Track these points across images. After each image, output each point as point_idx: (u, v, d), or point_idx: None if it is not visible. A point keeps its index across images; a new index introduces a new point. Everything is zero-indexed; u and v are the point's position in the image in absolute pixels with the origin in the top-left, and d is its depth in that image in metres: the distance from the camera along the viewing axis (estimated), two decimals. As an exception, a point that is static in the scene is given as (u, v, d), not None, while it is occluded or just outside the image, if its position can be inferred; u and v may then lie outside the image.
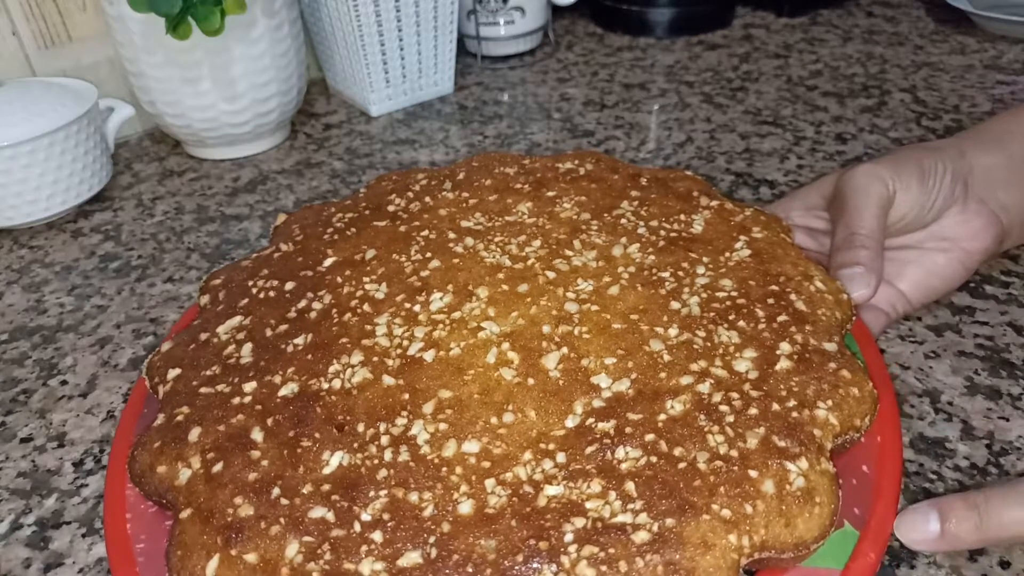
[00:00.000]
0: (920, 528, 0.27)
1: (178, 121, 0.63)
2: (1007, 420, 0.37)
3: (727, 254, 0.37)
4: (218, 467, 0.29)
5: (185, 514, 0.28)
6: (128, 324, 0.47)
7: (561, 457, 0.28)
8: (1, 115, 0.54)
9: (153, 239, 0.56)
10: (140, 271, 0.52)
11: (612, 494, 0.26)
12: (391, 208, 0.43)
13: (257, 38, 0.60)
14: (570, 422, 0.29)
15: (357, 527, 0.26)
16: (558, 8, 0.86)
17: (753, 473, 0.26)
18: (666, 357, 0.31)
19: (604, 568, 0.24)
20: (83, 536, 0.34)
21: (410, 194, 0.44)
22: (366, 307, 0.35)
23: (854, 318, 0.34)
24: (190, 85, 0.60)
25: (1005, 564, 0.30)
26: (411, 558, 0.25)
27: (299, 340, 0.34)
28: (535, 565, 0.24)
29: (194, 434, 0.30)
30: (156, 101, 0.62)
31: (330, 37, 0.70)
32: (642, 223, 0.39)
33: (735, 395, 0.29)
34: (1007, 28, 0.79)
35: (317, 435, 0.29)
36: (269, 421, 0.30)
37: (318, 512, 0.27)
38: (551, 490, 0.27)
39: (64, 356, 0.45)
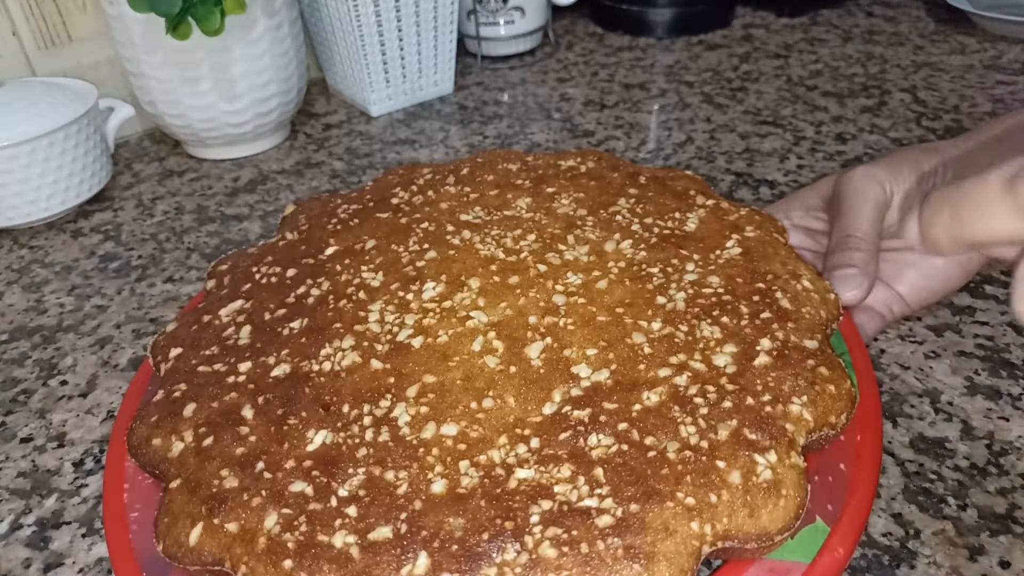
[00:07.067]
0: (909, 229, 0.22)
1: (178, 121, 0.63)
2: (1007, 420, 0.37)
3: (717, 252, 0.37)
4: (208, 441, 0.30)
5: (174, 484, 0.29)
6: (128, 324, 0.47)
7: (535, 442, 0.28)
8: (1, 115, 0.54)
9: (153, 239, 0.56)
10: (140, 271, 0.53)
11: (581, 479, 0.27)
12: (394, 201, 0.44)
13: (257, 38, 0.60)
14: (547, 409, 0.30)
15: (333, 502, 0.27)
16: (558, 8, 0.86)
17: (721, 464, 0.27)
18: (647, 350, 0.32)
19: (566, 549, 0.25)
20: (83, 536, 0.34)
21: (414, 188, 0.45)
22: (361, 294, 0.36)
23: (840, 317, 0.34)
24: (190, 85, 0.60)
25: (1005, 564, 0.30)
26: (382, 532, 0.26)
27: (295, 324, 0.35)
28: (500, 543, 0.25)
29: (189, 410, 0.31)
30: (156, 101, 0.62)
31: (330, 37, 0.70)
32: (636, 220, 0.40)
33: (711, 388, 0.30)
34: (1007, 28, 0.79)
35: (304, 414, 0.30)
36: (260, 399, 0.31)
37: (298, 486, 0.28)
38: (522, 473, 0.27)
39: (64, 356, 0.45)
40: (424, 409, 0.30)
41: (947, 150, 0.40)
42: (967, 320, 0.43)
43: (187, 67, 0.59)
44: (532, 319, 0.34)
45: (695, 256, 0.37)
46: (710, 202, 0.41)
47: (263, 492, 0.27)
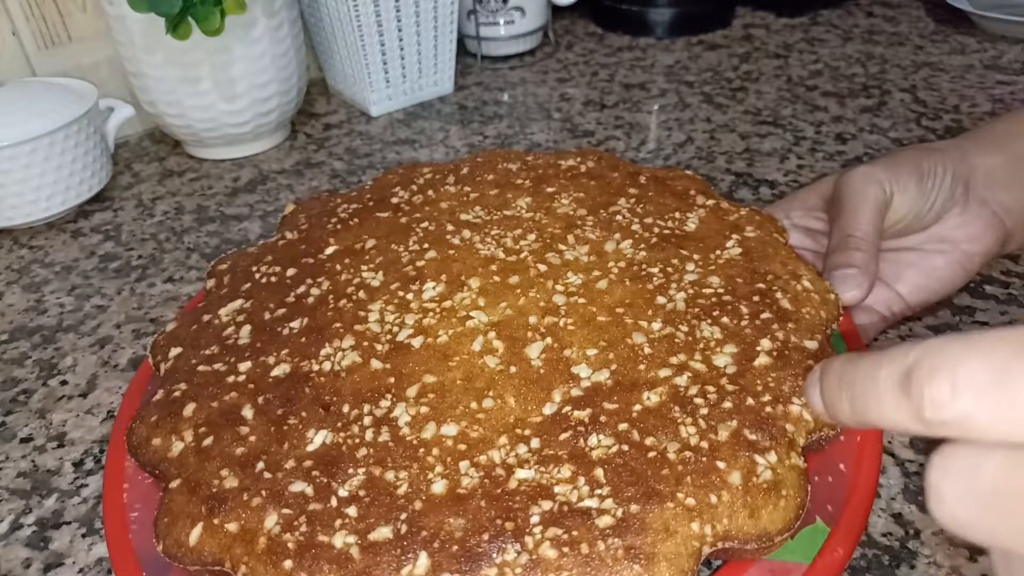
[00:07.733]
0: (815, 403, 0.22)
1: (178, 121, 0.63)
2: (1006, 420, 0.37)
3: (718, 252, 0.37)
4: (208, 441, 0.30)
5: (174, 484, 0.29)
6: (128, 324, 0.47)
7: (535, 442, 0.28)
8: (1, 115, 0.54)
9: (153, 239, 0.56)
10: (140, 271, 0.53)
11: (581, 479, 0.27)
12: (394, 200, 0.44)
13: (257, 38, 0.60)
14: (548, 409, 0.30)
15: (334, 502, 0.27)
16: (558, 8, 0.86)
17: (721, 464, 0.27)
18: (647, 350, 0.32)
19: (566, 549, 0.25)
20: (83, 536, 0.34)
21: (414, 187, 0.45)
22: (361, 294, 0.36)
23: (840, 318, 0.34)
24: (190, 85, 0.60)
25: (1005, 564, 0.30)
26: (382, 532, 0.26)
27: (295, 324, 0.35)
28: (500, 544, 0.25)
29: (189, 409, 0.31)
30: (156, 101, 0.62)
31: (330, 37, 0.70)
32: (636, 220, 0.40)
33: (711, 388, 0.30)
34: (1007, 28, 0.79)
35: (304, 414, 0.31)
36: (260, 399, 0.31)
37: (298, 487, 0.28)
38: (522, 473, 0.27)
39: (64, 356, 0.45)
40: (424, 409, 0.30)
41: (947, 150, 0.40)
42: (967, 320, 0.43)
43: (187, 67, 0.59)
44: (532, 319, 0.34)
45: (695, 256, 0.37)
46: (710, 202, 0.41)
47: (263, 492, 0.27)
